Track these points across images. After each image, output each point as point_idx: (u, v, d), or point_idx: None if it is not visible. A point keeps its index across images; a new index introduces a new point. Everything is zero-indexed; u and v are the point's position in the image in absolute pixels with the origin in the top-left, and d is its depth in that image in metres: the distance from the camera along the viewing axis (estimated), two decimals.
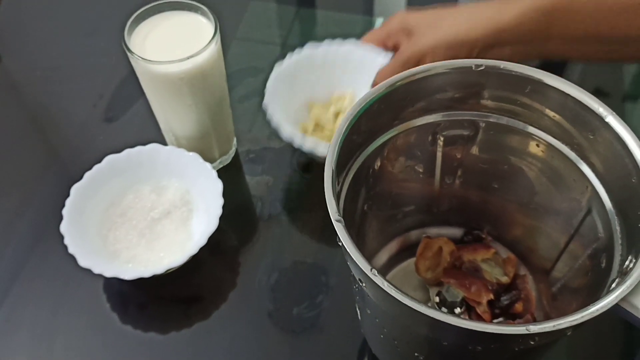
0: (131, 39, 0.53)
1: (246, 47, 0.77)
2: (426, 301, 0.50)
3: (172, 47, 0.53)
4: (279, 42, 0.79)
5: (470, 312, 0.48)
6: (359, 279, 0.34)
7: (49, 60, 0.77)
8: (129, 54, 0.51)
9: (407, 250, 0.52)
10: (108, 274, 0.51)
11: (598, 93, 0.37)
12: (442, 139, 0.43)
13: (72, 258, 0.52)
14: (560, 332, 0.30)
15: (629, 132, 0.35)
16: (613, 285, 0.33)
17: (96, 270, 0.51)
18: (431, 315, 0.30)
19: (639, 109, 0.71)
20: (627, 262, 0.34)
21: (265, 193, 0.63)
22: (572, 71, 0.71)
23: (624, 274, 0.32)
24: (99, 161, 0.58)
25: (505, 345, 0.33)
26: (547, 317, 0.48)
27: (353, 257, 0.32)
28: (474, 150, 0.44)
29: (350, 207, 0.40)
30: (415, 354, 0.39)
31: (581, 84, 0.37)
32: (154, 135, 0.63)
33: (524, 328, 0.30)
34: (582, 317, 0.30)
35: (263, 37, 0.79)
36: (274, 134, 0.59)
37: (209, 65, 0.52)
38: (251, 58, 0.75)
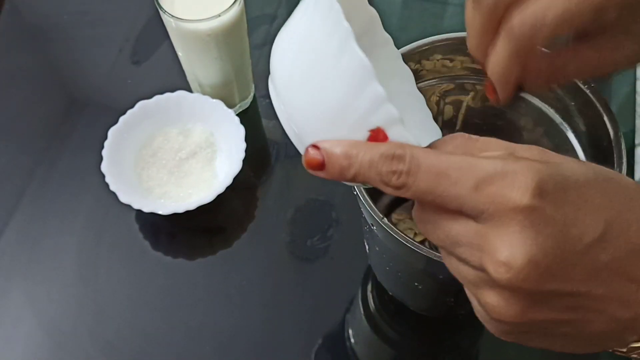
0: None
1: None
2: (425, 237, 0.56)
3: (200, 3, 0.57)
4: None
5: None
6: (371, 223, 0.41)
7: (76, 5, 0.79)
8: (160, 11, 0.56)
9: None
10: (146, 209, 0.57)
11: None
12: (444, 100, 0.49)
13: (110, 194, 0.58)
14: None
15: (602, 102, 0.41)
16: None
17: (135, 206, 0.57)
18: (429, 256, 0.37)
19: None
20: None
21: (281, 135, 0.67)
22: None
23: None
24: (131, 105, 0.63)
25: None
26: None
27: (367, 206, 0.38)
28: (472, 104, 0.50)
29: None
30: (415, 284, 0.46)
31: None
32: (179, 79, 0.67)
33: None
34: None
35: None
36: None
37: (234, 22, 0.57)
38: (264, 5, 0.77)
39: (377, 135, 0.28)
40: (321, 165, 0.29)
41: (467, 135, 0.29)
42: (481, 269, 0.26)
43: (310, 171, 0.29)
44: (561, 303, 0.26)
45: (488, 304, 0.26)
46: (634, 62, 0.34)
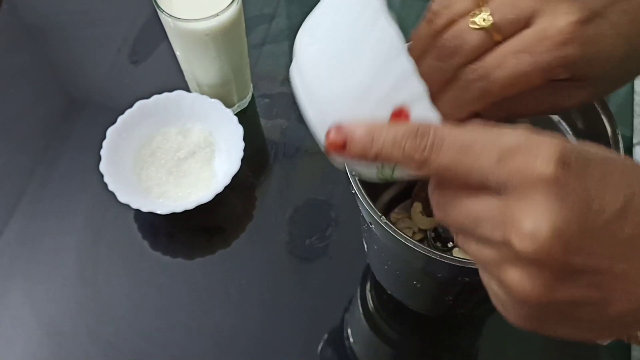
0: None
1: None
2: (423, 236, 0.57)
3: (198, 3, 0.57)
4: None
5: None
6: (369, 222, 0.41)
7: (75, 4, 0.79)
8: (158, 10, 0.56)
9: (411, 190, 0.58)
10: (145, 209, 0.57)
11: None
12: None
13: (109, 194, 0.58)
14: None
15: (600, 101, 0.41)
16: None
17: (134, 206, 0.57)
18: (428, 254, 0.37)
19: None
20: None
21: (279, 135, 0.68)
22: None
23: None
24: (129, 105, 0.63)
25: None
26: None
27: (365, 205, 0.38)
28: None
29: None
30: (414, 282, 0.46)
31: None
32: (177, 79, 0.67)
33: None
34: None
35: None
36: (287, 80, 0.63)
37: (232, 21, 0.57)
38: (263, 4, 0.77)
39: (399, 115, 0.29)
40: (342, 147, 0.29)
41: (483, 121, 0.29)
42: (504, 245, 0.26)
43: (332, 153, 0.30)
44: (584, 280, 0.26)
45: (512, 282, 0.26)
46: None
